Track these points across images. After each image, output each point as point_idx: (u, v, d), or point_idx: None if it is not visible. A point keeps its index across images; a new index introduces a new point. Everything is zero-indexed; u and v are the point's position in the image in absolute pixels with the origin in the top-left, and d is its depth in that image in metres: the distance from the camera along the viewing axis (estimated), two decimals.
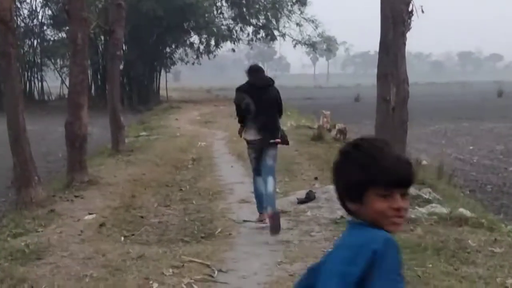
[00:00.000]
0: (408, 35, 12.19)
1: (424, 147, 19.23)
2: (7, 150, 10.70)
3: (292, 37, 53.69)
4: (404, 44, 12.08)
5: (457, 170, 14.25)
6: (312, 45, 55.52)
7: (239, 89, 8.63)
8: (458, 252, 7.04)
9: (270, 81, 8.73)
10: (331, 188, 10.51)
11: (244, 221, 9.03)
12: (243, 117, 8.69)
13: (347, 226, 2.28)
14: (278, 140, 8.51)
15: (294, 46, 55.35)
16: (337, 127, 19.65)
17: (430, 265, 6.49)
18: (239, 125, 8.95)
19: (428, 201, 9.49)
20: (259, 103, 8.37)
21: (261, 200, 8.63)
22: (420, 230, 7.84)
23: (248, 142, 8.69)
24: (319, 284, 2.17)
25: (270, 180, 8.39)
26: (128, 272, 6.61)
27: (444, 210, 8.77)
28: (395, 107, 11.88)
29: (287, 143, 8.86)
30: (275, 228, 7.96)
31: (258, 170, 8.63)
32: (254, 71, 8.77)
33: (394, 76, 11.91)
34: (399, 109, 11.86)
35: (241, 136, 8.98)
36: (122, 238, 8.34)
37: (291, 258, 7.10)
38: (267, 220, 8.27)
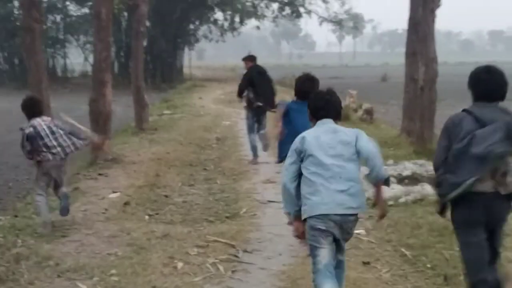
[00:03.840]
0: (437, 12, 11.98)
1: None
2: None
3: (318, 14, 53.23)
4: (433, 21, 11.89)
5: None
6: (338, 23, 55.03)
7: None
8: None
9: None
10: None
11: (269, 201, 8.95)
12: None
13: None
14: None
15: (320, 24, 54.93)
16: (363, 107, 19.44)
17: (458, 248, 6.36)
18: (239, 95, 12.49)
19: None
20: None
21: (255, 150, 12.17)
22: (448, 213, 7.70)
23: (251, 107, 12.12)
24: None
25: (266, 133, 11.97)
26: (153, 251, 6.60)
27: None
28: (424, 86, 11.71)
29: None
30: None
31: (253, 129, 12.15)
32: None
33: (423, 54, 11.73)
34: (428, 89, 11.70)
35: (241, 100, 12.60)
36: (147, 217, 8.33)
37: None
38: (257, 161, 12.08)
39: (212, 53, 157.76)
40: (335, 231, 4.41)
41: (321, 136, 4.55)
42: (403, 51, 12.70)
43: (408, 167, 9.96)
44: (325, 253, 4.43)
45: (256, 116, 12.18)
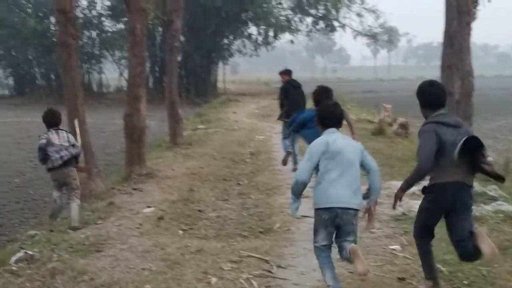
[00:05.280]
0: (473, 25, 11.85)
1: (490, 142, 18.69)
2: None
3: (352, 28, 53.18)
4: (469, 34, 11.75)
5: None
6: (373, 36, 54.88)
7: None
8: None
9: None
10: (392, 184, 10.28)
11: (303, 216, 8.87)
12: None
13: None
14: None
15: (355, 38, 54.85)
16: (398, 121, 19.30)
17: (496, 265, 6.25)
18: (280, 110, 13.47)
19: (494, 199, 9.17)
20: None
21: (286, 147, 12.40)
22: (485, 229, 7.56)
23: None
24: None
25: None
26: (187, 266, 6.59)
27: (510, 208, 8.48)
28: (460, 100, 11.56)
29: None
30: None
31: (287, 135, 12.41)
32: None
33: (458, 68, 11.60)
34: (464, 103, 11.55)
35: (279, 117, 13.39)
36: (181, 232, 8.35)
37: None
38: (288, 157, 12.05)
39: (246, 67, 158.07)
40: (337, 220, 5.31)
41: (337, 141, 5.45)
42: (439, 64, 12.55)
43: None
44: (323, 236, 5.37)
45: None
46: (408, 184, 5.52)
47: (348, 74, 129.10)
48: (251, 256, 6.95)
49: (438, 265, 6.28)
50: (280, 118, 13.51)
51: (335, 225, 5.34)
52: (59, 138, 8.94)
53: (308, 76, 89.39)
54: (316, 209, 5.44)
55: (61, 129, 9.13)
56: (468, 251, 5.33)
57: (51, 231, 8.27)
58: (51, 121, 9.10)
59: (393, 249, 7.09)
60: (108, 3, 47.71)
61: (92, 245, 7.39)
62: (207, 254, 7.02)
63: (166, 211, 9.35)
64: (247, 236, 8.14)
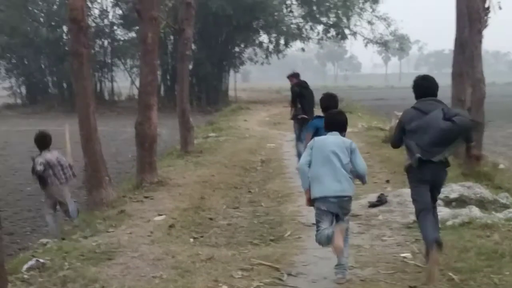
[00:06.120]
0: (484, 32, 11.83)
1: (502, 150, 18.62)
2: (78, 150, 10.85)
3: (363, 36, 53.01)
4: (480, 42, 11.72)
5: None
6: (384, 44, 54.66)
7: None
8: None
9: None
10: (404, 191, 10.24)
11: (314, 224, 8.85)
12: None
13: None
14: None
15: (366, 45, 54.67)
16: None
17: (508, 273, 6.23)
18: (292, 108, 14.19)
19: (505, 206, 9.12)
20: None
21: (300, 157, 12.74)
22: (497, 236, 7.53)
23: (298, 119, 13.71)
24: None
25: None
26: (197, 274, 6.59)
27: None
28: (471, 108, 11.54)
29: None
30: None
31: (299, 138, 13.43)
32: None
33: (469, 75, 11.59)
34: (475, 110, 11.51)
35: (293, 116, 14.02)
36: (191, 240, 8.36)
37: (362, 262, 6.95)
38: None
39: (257, 75, 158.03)
40: (335, 209, 6.17)
41: (327, 138, 6.40)
42: (450, 72, 12.55)
43: (455, 190, 9.75)
44: (325, 225, 6.15)
45: (301, 126, 13.49)
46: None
47: (359, 82, 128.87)
48: (262, 264, 6.95)
49: (449, 273, 6.28)
50: (293, 117, 14.08)
51: (332, 212, 6.20)
52: (53, 158, 9.86)
53: (320, 84, 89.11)
54: (315, 202, 6.30)
55: (52, 149, 10.09)
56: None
57: (63, 239, 8.30)
58: (43, 144, 9.99)
59: (404, 257, 7.07)
60: (120, 12, 47.82)
61: (103, 253, 7.39)
62: (218, 262, 7.03)
63: (177, 219, 9.35)
64: (258, 244, 8.14)
